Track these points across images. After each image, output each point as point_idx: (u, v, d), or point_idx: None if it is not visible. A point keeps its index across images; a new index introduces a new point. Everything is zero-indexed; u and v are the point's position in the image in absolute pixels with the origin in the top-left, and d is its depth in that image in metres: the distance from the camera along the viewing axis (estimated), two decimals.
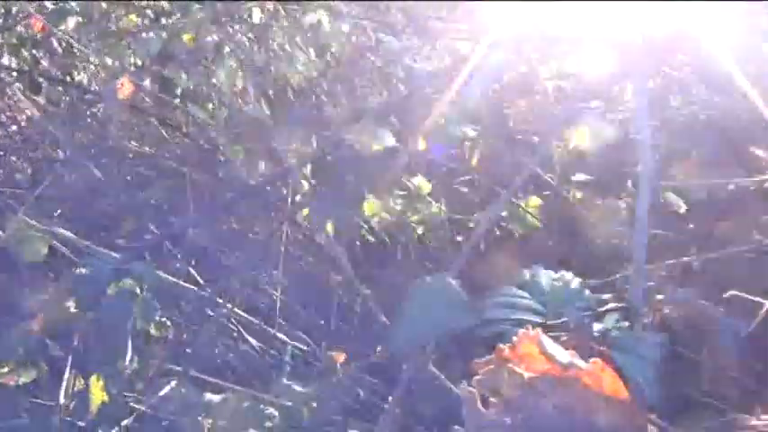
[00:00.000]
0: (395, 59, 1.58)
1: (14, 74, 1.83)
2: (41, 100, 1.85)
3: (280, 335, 1.33)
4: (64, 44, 1.82)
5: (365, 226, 1.48)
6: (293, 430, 1.14)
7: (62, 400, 1.05)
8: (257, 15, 1.79)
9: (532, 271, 0.64)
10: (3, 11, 1.76)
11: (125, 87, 1.34)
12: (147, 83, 1.62)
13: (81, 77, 1.94)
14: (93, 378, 1.01)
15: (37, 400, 1.17)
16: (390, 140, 1.38)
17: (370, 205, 1.43)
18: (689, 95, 1.42)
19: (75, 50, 1.82)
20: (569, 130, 1.42)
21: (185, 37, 1.47)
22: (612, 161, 1.45)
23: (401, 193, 1.49)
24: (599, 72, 1.52)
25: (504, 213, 1.41)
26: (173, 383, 1.20)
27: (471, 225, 1.44)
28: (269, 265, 1.46)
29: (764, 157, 0.87)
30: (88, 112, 1.88)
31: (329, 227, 1.24)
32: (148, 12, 1.75)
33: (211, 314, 1.31)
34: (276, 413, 1.17)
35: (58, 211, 1.65)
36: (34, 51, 1.80)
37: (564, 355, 0.44)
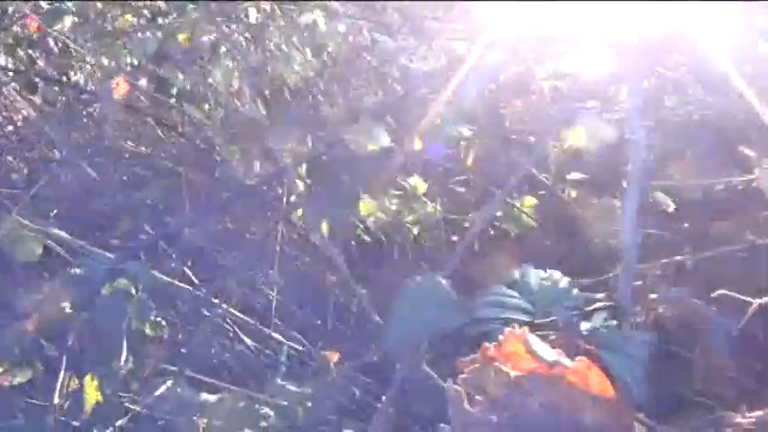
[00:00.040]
0: (390, 59, 1.58)
1: (10, 74, 1.83)
2: (38, 100, 1.85)
3: (275, 335, 1.33)
4: (60, 44, 1.82)
5: (361, 226, 1.48)
6: (289, 430, 1.15)
7: (57, 401, 1.05)
8: (253, 15, 1.79)
9: (522, 270, 0.64)
10: None
11: (120, 87, 1.34)
12: (143, 83, 1.62)
13: (77, 77, 1.94)
14: (88, 378, 1.01)
15: (32, 400, 1.17)
16: (386, 140, 1.38)
17: (366, 205, 1.43)
18: (684, 95, 1.42)
19: (72, 50, 1.82)
20: (565, 129, 1.42)
21: (180, 37, 1.47)
22: (608, 160, 1.45)
23: (397, 192, 1.49)
24: (595, 72, 1.52)
25: (499, 213, 1.41)
26: (168, 383, 1.21)
27: (467, 225, 1.44)
28: (265, 265, 1.47)
29: (753, 157, 0.87)
30: (84, 112, 1.88)
31: (324, 227, 1.24)
32: (145, 12, 1.75)
33: (207, 314, 1.31)
34: (272, 413, 1.18)
35: (54, 211, 1.65)
36: (30, 51, 1.80)
37: (550, 354, 0.44)
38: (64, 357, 1.11)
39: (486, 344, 0.44)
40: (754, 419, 0.44)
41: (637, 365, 0.52)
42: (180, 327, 1.33)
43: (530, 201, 1.40)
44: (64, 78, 1.90)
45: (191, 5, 1.49)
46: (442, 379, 0.68)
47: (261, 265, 1.46)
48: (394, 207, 1.46)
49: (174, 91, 1.61)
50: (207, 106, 1.62)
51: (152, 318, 1.17)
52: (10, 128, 1.86)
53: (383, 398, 0.85)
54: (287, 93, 1.76)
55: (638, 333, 0.56)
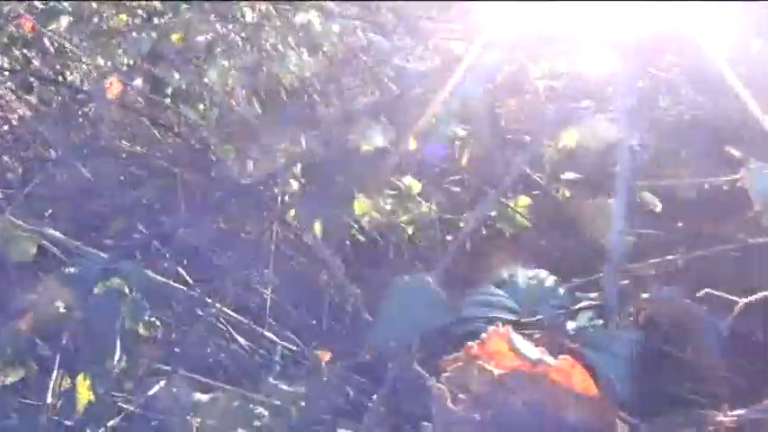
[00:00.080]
0: (385, 59, 1.58)
1: (6, 73, 1.83)
2: (33, 99, 1.85)
3: (270, 335, 1.33)
4: (56, 44, 1.82)
5: (355, 226, 1.48)
6: (282, 430, 1.15)
7: (50, 400, 1.05)
8: (249, 15, 1.79)
9: (510, 270, 0.65)
10: None
11: (114, 87, 1.34)
12: (138, 82, 1.62)
13: (73, 77, 1.94)
14: (80, 377, 1.01)
15: (26, 400, 1.17)
16: (380, 140, 1.39)
17: (361, 205, 1.44)
18: (677, 96, 1.43)
19: (67, 50, 1.82)
20: (560, 129, 1.43)
21: (174, 37, 1.47)
22: (602, 160, 1.45)
23: (392, 192, 1.49)
24: (590, 72, 1.52)
25: (493, 213, 1.42)
26: (162, 383, 1.21)
27: (462, 225, 1.44)
28: (260, 265, 1.47)
29: (739, 157, 0.88)
30: (80, 112, 1.88)
31: (317, 227, 1.25)
32: (140, 11, 1.75)
33: (201, 314, 1.31)
34: (266, 413, 1.18)
35: (49, 211, 1.65)
36: (25, 51, 1.80)
37: (533, 352, 0.44)
38: (57, 357, 1.11)
39: (469, 342, 0.44)
40: (736, 418, 0.44)
41: (621, 364, 0.52)
42: (174, 326, 1.33)
43: (524, 201, 1.40)
44: (60, 78, 1.90)
45: (184, 5, 1.49)
46: (433, 378, 0.68)
47: (256, 264, 1.46)
48: (389, 207, 1.46)
49: (170, 91, 1.61)
50: (202, 106, 1.62)
51: (146, 317, 1.17)
52: (5, 127, 1.86)
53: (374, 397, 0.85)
54: (283, 93, 1.76)
55: (623, 332, 0.56)
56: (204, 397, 1.19)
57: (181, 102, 1.65)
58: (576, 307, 0.59)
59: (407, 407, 0.91)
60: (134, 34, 1.59)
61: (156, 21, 1.68)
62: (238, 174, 1.47)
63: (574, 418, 0.42)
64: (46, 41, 1.82)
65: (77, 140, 1.80)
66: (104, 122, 1.74)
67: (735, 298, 0.73)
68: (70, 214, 1.59)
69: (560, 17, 1.51)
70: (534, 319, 0.57)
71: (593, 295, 0.68)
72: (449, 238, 1.48)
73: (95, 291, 1.14)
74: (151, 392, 1.20)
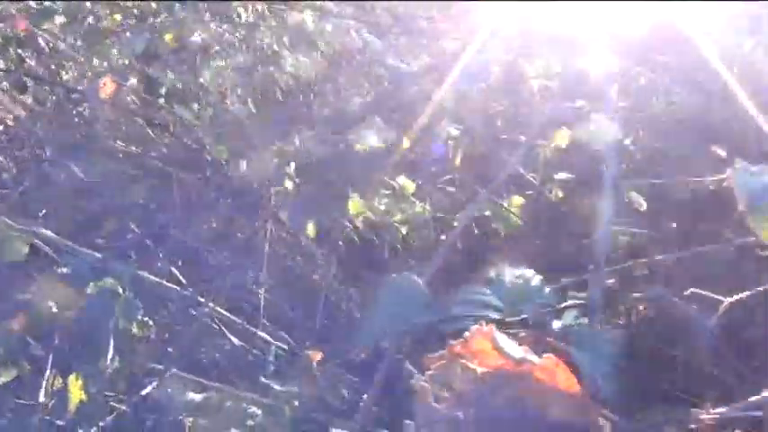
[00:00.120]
0: (379, 59, 1.58)
1: (0, 73, 1.82)
2: (28, 99, 1.85)
3: (263, 334, 1.33)
4: (51, 44, 1.82)
5: (350, 226, 1.48)
6: (276, 429, 1.15)
7: (42, 399, 1.05)
8: (244, 15, 1.79)
9: (498, 269, 0.65)
10: None
11: (107, 86, 1.34)
12: (133, 82, 1.62)
13: (68, 77, 1.94)
14: (72, 377, 1.01)
15: (19, 399, 1.17)
16: (374, 140, 1.39)
17: (355, 204, 1.44)
18: (670, 95, 1.43)
19: (62, 50, 1.82)
20: (554, 129, 1.43)
21: (167, 36, 1.47)
22: (596, 160, 1.45)
23: (386, 192, 1.49)
24: (585, 71, 1.52)
25: (487, 213, 1.42)
26: (155, 383, 1.21)
27: (456, 224, 1.44)
28: (254, 264, 1.47)
29: (724, 157, 0.88)
30: (75, 112, 1.88)
31: (310, 227, 1.25)
32: (134, 11, 1.75)
33: (194, 314, 1.31)
34: (259, 412, 1.18)
35: (43, 211, 1.65)
36: (20, 51, 1.80)
37: (517, 351, 0.44)
38: (50, 357, 1.11)
39: (452, 341, 0.44)
40: (717, 416, 0.44)
41: (605, 362, 0.53)
42: (168, 326, 1.33)
43: (517, 200, 1.40)
44: (54, 78, 1.90)
45: (178, 5, 1.49)
46: (416, 376, 0.68)
47: (249, 264, 1.46)
48: (383, 207, 1.46)
49: (164, 90, 1.61)
50: (196, 106, 1.62)
51: (139, 317, 1.17)
52: (0, 127, 1.86)
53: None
54: (278, 92, 1.76)
55: (607, 330, 0.57)
56: (197, 397, 1.19)
57: (175, 102, 1.65)
58: (562, 306, 0.60)
59: (399, 405, 0.91)
60: (128, 34, 1.59)
61: (150, 20, 1.68)
62: (232, 173, 1.47)
63: (557, 416, 0.42)
64: (41, 41, 1.82)
65: (72, 140, 1.80)
66: (99, 122, 1.74)
67: (720, 297, 0.74)
68: (64, 214, 1.59)
69: (556, 17, 1.51)
70: (519, 317, 0.57)
71: (581, 294, 0.68)
72: (443, 237, 1.48)
73: (88, 291, 1.14)
74: (144, 392, 1.20)
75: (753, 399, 0.47)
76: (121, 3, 1.69)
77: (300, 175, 1.45)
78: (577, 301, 0.61)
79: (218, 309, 1.32)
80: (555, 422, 0.42)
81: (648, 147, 1.41)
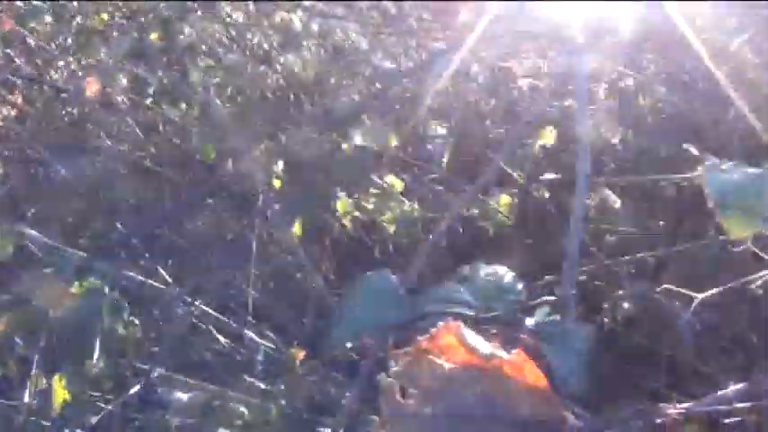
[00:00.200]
0: (365, 59, 1.59)
1: None
2: (16, 98, 1.84)
3: (251, 333, 1.33)
4: (39, 43, 1.81)
5: (338, 225, 1.48)
6: (263, 428, 1.15)
7: (27, 399, 1.05)
8: (233, 15, 1.79)
9: (472, 266, 0.65)
10: None
11: (92, 85, 1.34)
12: (121, 81, 1.62)
13: (57, 76, 1.93)
14: (56, 377, 1.01)
15: (2, 400, 1.16)
16: (361, 139, 1.39)
17: (343, 204, 1.44)
18: (655, 94, 1.44)
19: (51, 49, 1.81)
20: (542, 128, 1.43)
21: (154, 36, 1.47)
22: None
23: (374, 191, 1.49)
24: (572, 71, 1.53)
25: (476, 211, 1.42)
26: (142, 382, 1.21)
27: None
28: (243, 264, 1.47)
29: (696, 155, 0.89)
30: (63, 111, 1.87)
31: (297, 226, 1.25)
32: (124, 10, 1.75)
33: (182, 313, 1.31)
34: (246, 411, 1.18)
35: (32, 210, 1.64)
36: (8, 51, 1.80)
37: (485, 346, 0.45)
38: (35, 357, 1.11)
39: (419, 337, 0.45)
40: (684, 410, 0.45)
41: (577, 358, 0.53)
42: (155, 325, 1.33)
43: (505, 199, 1.41)
44: (43, 77, 1.89)
45: (164, 4, 1.49)
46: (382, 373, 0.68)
47: (238, 263, 1.46)
48: (371, 206, 1.46)
49: (152, 90, 1.61)
50: (184, 105, 1.62)
51: (125, 317, 1.17)
52: None
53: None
54: (266, 92, 1.76)
55: (579, 326, 0.57)
56: (185, 396, 1.19)
57: (164, 101, 1.65)
58: (534, 302, 0.60)
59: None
60: (115, 33, 1.59)
61: (138, 19, 1.68)
62: (220, 173, 1.47)
63: (526, 412, 0.43)
64: (30, 41, 1.82)
65: (60, 140, 1.80)
66: (87, 121, 1.74)
67: (693, 294, 0.74)
68: (52, 213, 1.59)
69: (545, 17, 1.52)
70: (490, 314, 0.58)
71: (556, 292, 0.68)
72: (432, 236, 1.48)
73: (75, 290, 1.14)
74: (131, 392, 1.20)
75: (719, 393, 0.48)
76: (109, 2, 1.69)
77: (288, 174, 1.45)
78: (550, 298, 0.62)
79: (207, 308, 1.32)
80: (523, 418, 0.42)
81: (635, 145, 1.42)
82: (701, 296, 0.73)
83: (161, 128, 1.67)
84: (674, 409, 0.45)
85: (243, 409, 1.18)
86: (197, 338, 1.33)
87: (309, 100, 1.72)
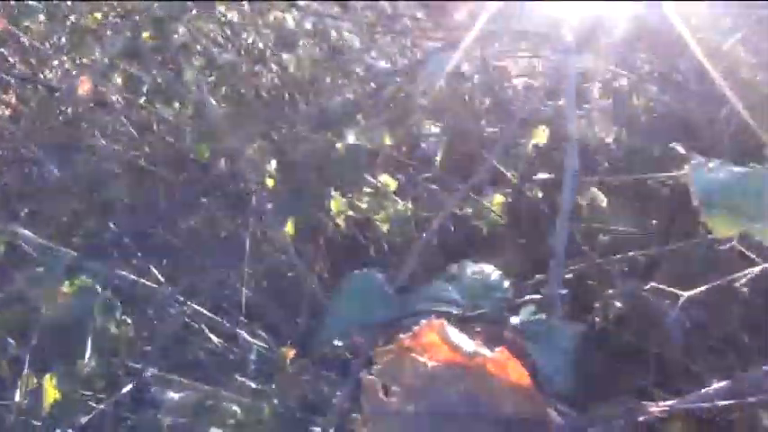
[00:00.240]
0: (359, 58, 1.59)
1: None
2: (11, 98, 1.84)
3: (244, 333, 1.33)
4: (33, 42, 1.81)
5: (332, 224, 1.48)
6: (255, 427, 1.15)
7: (17, 399, 1.05)
8: (228, 14, 1.79)
9: (459, 265, 0.65)
10: None
11: (85, 84, 1.33)
12: (115, 80, 1.62)
13: (51, 76, 1.93)
14: (47, 377, 1.01)
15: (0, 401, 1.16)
16: (355, 138, 1.39)
17: (337, 203, 1.44)
18: (648, 93, 1.44)
19: (45, 48, 1.81)
20: (536, 127, 1.44)
21: (146, 35, 1.47)
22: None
23: (368, 190, 1.49)
24: (566, 70, 1.53)
25: (469, 210, 1.42)
26: (134, 382, 1.20)
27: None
28: (236, 263, 1.46)
29: (683, 154, 0.89)
30: (58, 111, 1.87)
31: (290, 226, 1.25)
32: (118, 9, 1.75)
33: (174, 312, 1.31)
34: (239, 410, 1.18)
35: (25, 210, 1.64)
36: (2, 50, 1.79)
37: (468, 344, 0.45)
38: (27, 356, 1.11)
39: (401, 335, 0.45)
40: (667, 408, 0.45)
41: (563, 357, 0.53)
42: (148, 325, 1.33)
43: (499, 199, 1.41)
44: (37, 76, 1.89)
45: (157, 3, 1.49)
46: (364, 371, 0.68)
47: (231, 262, 1.46)
48: (365, 205, 1.46)
49: (146, 89, 1.60)
50: (178, 104, 1.61)
51: (118, 316, 1.17)
52: None
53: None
54: (260, 91, 1.76)
55: (565, 325, 0.57)
56: (177, 395, 1.18)
57: (157, 100, 1.65)
58: (520, 301, 0.60)
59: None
60: (109, 32, 1.59)
61: (133, 18, 1.67)
62: (214, 172, 1.47)
63: (509, 409, 0.43)
64: (24, 40, 1.81)
65: (54, 139, 1.80)
66: (82, 120, 1.74)
67: (679, 292, 0.74)
68: (45, 213, 1.59)
69: (539, 17, 1.52)
70: (477, 312, 0.58)
71: (543, 290, 0.68)
72: (424, 235, 1.48)
73: (67, 290, 1.14)
74: (123, 391, 1.20)
75: (702, 391, 0.48)
76: (103, 1, 1.69)
77: (282, 173, 1.45)
78: (536, 297, 0.62)
79: (199, 308, 1.32)
80: (507, 416, 0.42)
81: (628, 145, 1.42)
82: (687, 294, 0.73)
83: (155, 127, 1.66)
84: (656, 407, 0.45)
85: (235, 408, 1.18)
86: (190, 338, 1.33)
87: (304, 99, 1.72)
